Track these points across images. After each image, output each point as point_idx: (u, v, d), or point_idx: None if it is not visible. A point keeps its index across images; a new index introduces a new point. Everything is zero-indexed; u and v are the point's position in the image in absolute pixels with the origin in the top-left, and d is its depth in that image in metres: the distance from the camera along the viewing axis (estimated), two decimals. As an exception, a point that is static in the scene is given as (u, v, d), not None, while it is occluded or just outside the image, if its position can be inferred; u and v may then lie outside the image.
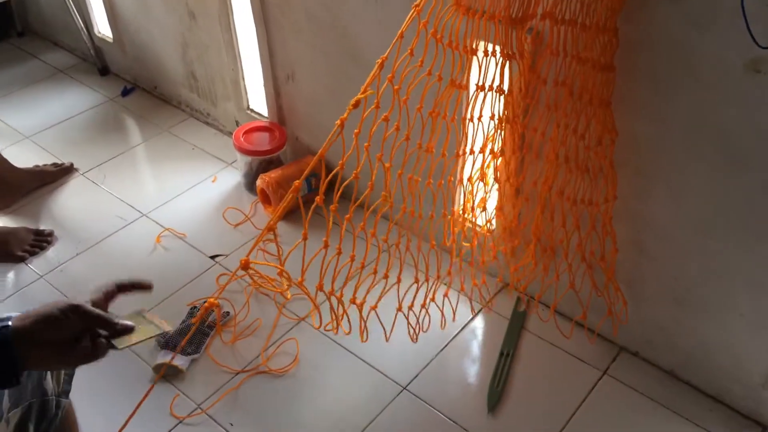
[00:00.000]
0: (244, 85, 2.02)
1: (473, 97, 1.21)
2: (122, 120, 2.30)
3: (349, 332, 1.16)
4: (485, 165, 1.35)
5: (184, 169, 2.06)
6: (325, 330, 1.11)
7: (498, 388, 1.42)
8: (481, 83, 1.20)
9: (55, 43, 2.69)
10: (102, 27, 2.45)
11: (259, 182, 1.85)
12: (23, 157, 2.05)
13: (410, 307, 1.34)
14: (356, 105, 0.89)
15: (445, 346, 1.53)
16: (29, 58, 2.62)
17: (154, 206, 1.92)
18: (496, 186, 1.41)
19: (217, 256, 1.76)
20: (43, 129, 2.24)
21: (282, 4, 1.69)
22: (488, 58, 1.17)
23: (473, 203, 1.40)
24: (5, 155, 1.92)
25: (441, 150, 1.20)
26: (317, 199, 0.92)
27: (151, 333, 0.83)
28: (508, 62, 1.19)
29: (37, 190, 1.98)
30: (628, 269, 1.38)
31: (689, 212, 1.23)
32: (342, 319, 1.12)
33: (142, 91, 2.41)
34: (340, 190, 0.97)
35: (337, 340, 1.53)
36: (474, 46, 1.13)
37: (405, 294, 1.28)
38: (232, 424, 1.38)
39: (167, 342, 1.50)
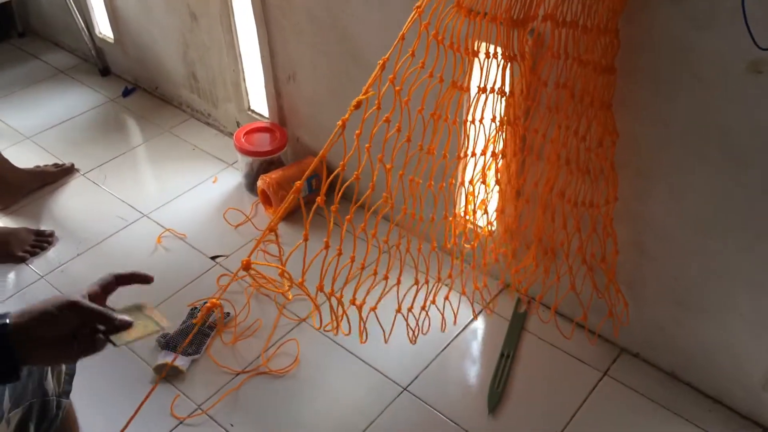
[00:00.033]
0: (245, 86, 2.02)
1: (474, 99, 1.21)
2: (123, 120, 2.30)
3: (349, 333, 1.16)
4: (486, 167, 1.35)
5: (185, 169, 2.06)
6: (324, 331, 1.10)
7: (498, 389, 1.42)
8: (482, 85, 1.20)
9: (56, 43, 2.69)
10: (103, 27, 2.45)
11: (259, 183, 1.85)
12: (24, 158, 2.05)
13: (410, 309, 1.34)
14: (358, 106, 0.89)
15: (446, 347, 1.53)
16: (30, 58, 2.62)
17: (155, 207, 1.92)
18: (497, 188, 1.41)
19: (217, 256, 1.76)
20: (44, 129, 2.24)
21: (283, 5, 1.69)
22: (490, 60, 1.17)
23: (474, 205, 1.40)
24: (6, 155, 1.92)
25: (442, 152, 1.20)
26: (318, 199, 0.92)
27: (149, 329, 0.83)
28: (509, 64, 1.19)
29: (38, 190, 1.98)
30: (628, 271, 1.38)
31: (690, 213, 1.23)
32: (342, 320, 1.12)
33: (143, 91, 2.41)
34: (341, 191, 0.97)
35: (337, 341, 1.53)
36: (475, 48, 1.13)
37: (404, 296, 1.28)
38: (232, 425, 1.38)
39: (168, 342, 1.50)
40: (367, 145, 0.97)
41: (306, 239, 0.91)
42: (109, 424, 1.35)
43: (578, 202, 1.27)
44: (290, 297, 0.93)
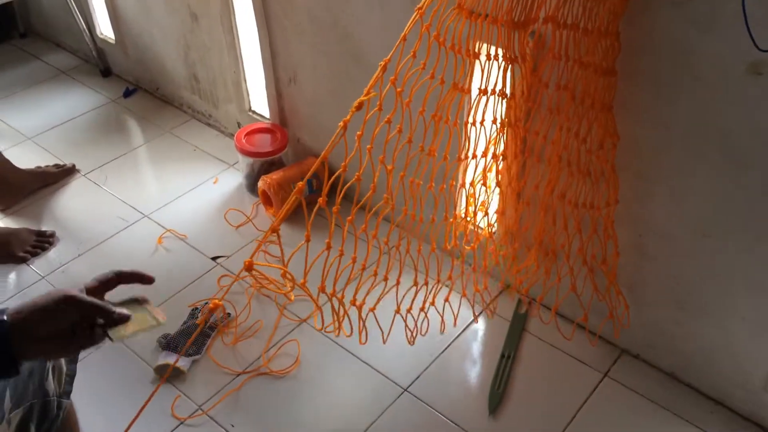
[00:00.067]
0: (246, 87, 2.02)
1: (475, 101, 1.21)
2: (124, 121, 2.31)
3: (351, 334, 1.17)
4: (487, 169, 1.35)
5: (186, 170, 2.06)
6: (326, 332, 1.11)
7: (499, 390, 1.42)
8: (483, 87, 1.20)
9: (58, 44, 2.69)
10: (104, 28, 2.45)
11: (260, 184, 1.85)
12: (25, 158, 2.05)
13: (408, 310, 1.34)
14: (359, 107, 0.90)
15: (446, 347, 1.53)
16: (31, 59, 2.63)
17: (156, 207, 1.92)
18: (498, 190, 1.41)
19: (218, 257, 1.76)
20: (45, 130, 2.24)
21: (284, 6, 1.70)
22: (491, 61, 1.17)
23: (475, 207, 1.40)
24: (7, 156, 1.92)
25: (443, 154, 1.21)
26: (320, 200, 0.92)
27: (146, 324, 0.83)
28: (510, 66, 1.19)
29: (39, 191, 1.98)
30: (629, 272, 1.38)
31: (690, 215, 1.23)
32: (343, 320, 1.12)
33: (143, 92, 2.41)
34: (343, 192, 0.97)
35: (338, 342, 1.53)
36: (476, 50, 1.13)
37: (404, 297, 1.28)
38: (233, 425, 1.38)
39: (168, 343, 1.51)
40: (368, 147, 0.97)
41: (308, 240, 0.91)
42: (109, 424, 1.35)
43: (579, 204, 1.27)
44: (292, 298, 0.93)
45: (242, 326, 1.58)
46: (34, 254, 1.77)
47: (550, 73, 1.20)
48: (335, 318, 1.11)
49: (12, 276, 1.73)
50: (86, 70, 2.54)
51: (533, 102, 1.25)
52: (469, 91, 1.17)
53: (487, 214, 1.43)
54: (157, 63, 2.27)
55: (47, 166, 2.03)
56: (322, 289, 1.01)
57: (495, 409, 1.39)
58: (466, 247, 1.47)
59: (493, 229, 1.48)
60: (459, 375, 1.49)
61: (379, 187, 1.04)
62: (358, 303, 1.15)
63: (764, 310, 1.23)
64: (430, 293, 1.37)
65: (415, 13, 0.94)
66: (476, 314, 1.58)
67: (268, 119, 2.01)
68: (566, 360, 1.49)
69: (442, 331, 1.53)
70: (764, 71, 1.02)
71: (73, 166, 2.06)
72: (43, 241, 1.80)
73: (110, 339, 0.79)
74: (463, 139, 1.25)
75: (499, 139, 1.31)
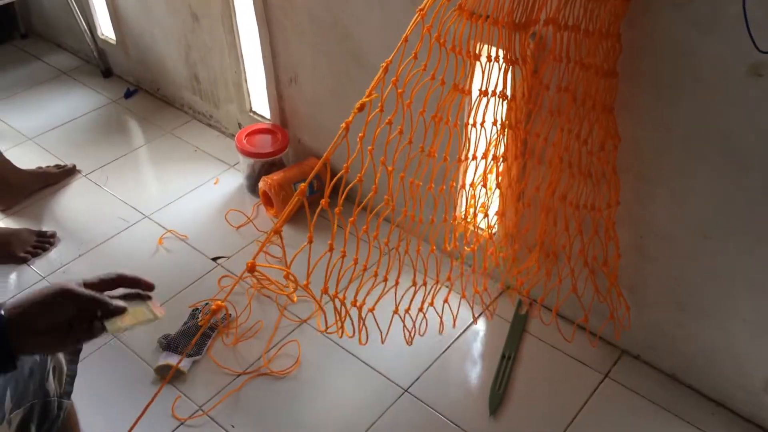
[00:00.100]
0: (247, 88, 2.02)
1: (476, 102, 1.21)
2: (125, 122, 2.31)
3: (353, 335, 1.17)
4: (488, 170, 1.35)
5: (187, 171, 2.07)
6: (329, 333, 1.11)
7: (499, 390, 1.42)
8: (483, 88, 1.20)
9: (58, 45, 2.69)
10: (105, 29, 2.45)
11: (261, 184, 1.86)
12: (26, 159, 2.06)
13: (407, 311, 1.34)
14: (361, 108, 0.90)
15: (447, 348, 1.53)
16: (32, 59, 2.63)
17: (157, 208, 1.93)
18: (498, 192, 1.41)
19: (219, 258, 1.76)
20: (45, 131, 2.24)
21: (285, 7, 1.70)
22: (491, 63, 1.18)
23: (475, 209, 1.40)
24: (8, 156, 1.92)
25: (443, 155, 1.21)
26: (322, 202, 0.92)
27: (143, 317, 0.83)
28: (510, 67, 1.19)
29: (40, 191, 1.98)
30: (630, 274, 1.38)
31: (691, 216, 1.23)
32: (345, 321, 1.12)
33: (144, 93, 2.41)
34: (345, 194, 0.97)
35: (338, 343, 1.53)
36: (477, 51, 1.13)
37: (402, 297, 1.28)
38: (233, 426, 1.38)
39: (169, 343, 1.51)
40: (369, 148, 0.97)
41: (311, 241, 0.91)
42: (110, 425, 1.35)
43: (580, 206, 1.27)
44: (295, 299, 0.93)
45: (243, 327, 1.58)
46: (35, 254, 1.77)
47: (551, 74, 1.20)
48: (338, 319, 1.11)
49: (13, 276, 1.73)
50: (87, 70, 2.55)
51: (534, 104, 1.26)
52: (470, 92, 1.17)
53: (486, 215, 1.43)
54: (158, 63, 2.28)
55: (48, 167, 2.03)
56: (325, 291, 1.01)
57: (495, 409, 1.39)
58: (466, 248, 1.47)
59: (494, 230, 1.48)
60: (459, 376, 1.49)
61: (379, 188, 1.04)
62: (358, 304, 1.16)
63: (765, 312, 1.23)
64: (428, 294, 1.37)
65: (417, 15, 0.95)
66: (475, 316, 1.58)
67: (268, 120, 2.01)
68: (567, 361, 1.49)
69: (440, 332, 1.53)
70: (765, 73, 1.02)
71: (74, 166, 2.06)
72: (43, 242, 1.80)
73: (107, 330, 0.79)
74: (464, 140, 1.25)
75: (500, 141, 1.31)
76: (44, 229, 1.84)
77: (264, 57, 1.84)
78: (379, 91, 0.92)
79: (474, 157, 1.30)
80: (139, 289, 0.87)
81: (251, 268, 0.83)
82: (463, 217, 1.42)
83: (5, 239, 1.76)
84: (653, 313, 1.40)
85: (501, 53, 1.17)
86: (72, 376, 1.03)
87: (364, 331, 1.20)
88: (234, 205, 1.93)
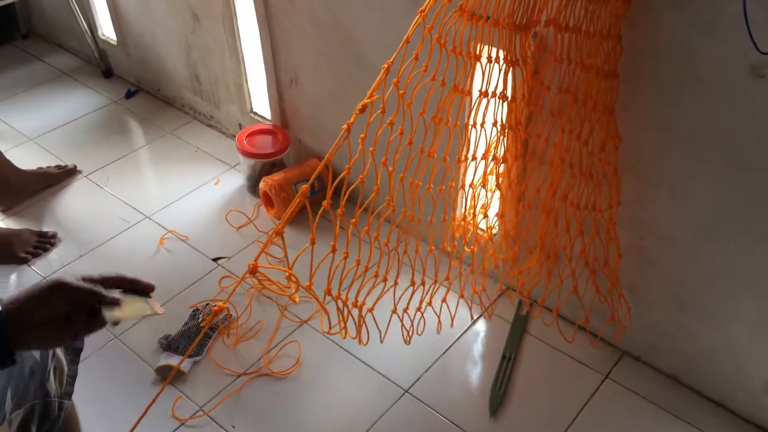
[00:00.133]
0: (248, 88, 2.02)
1: (476, 103, 1.21)
2: (126, 122, 2.31)
3: (356, 336, 1.17)
4: (488, 171, 1.35)
5: (187, 171, 2.07)
6: (331, 334, 1.11)
7: (500, 391, 1.42)
8: (484, 89, 1.20)
9: (59, 45, 2.70)
10: (106, 29, 2.45)
11: (261, 185, 1.86)
12: (27, 159, 2.06)
13: (405, 310, 1.34)
14: (363, 110, 0.90)
15: (447, 349, 1.53)
16: (33, 60, 2.63)
17: (157, 208, 1.93)
18: (498, 193, 1.41)
19: (219, 258, 1.76)
20: (46, 131, 2.25)
21: (286, 7, 1.70)
22: (491, 64, 1.18)
23: (475, 209, 1.41)
24: (9, 157, 1.92)
25: (442, 155, 1.21)
26: (324, 203, 0.92)
27: (140, 311, 0.84)
28: (511, 69, 1.19)
29: (41, 192, 1.98)
30: (631, 275, 1.38)
31: (692, 217, 1.23)
32: (348, 321, 1.12)
33: (145, 93, 2.42)
34: (347, 195, 0.97)
35: (339, 343, 1.53)
36: (477, 52, 1.14)
37: (401, 296, 1.28)
38: (234, 427, 1.38)
39: (169, 344, 1.51)
40: (371, 149, 0.97)
41: (313, 243, 0.92)
42: (110, 425, 1.35)
43: (581, 206, 1.27)
44: (297, 300, 0.93)
45: (243, 327, 1.58)
46: (36, 255, 1.77)
47: (552, 75, 1.20)
48: (341, 319, 1.11)
49: (13, 277, 1.73)
50: (88, 71, 2.55)
51: (535, 105, 1.26)
52: (470, 93, 1.17)
53: (486, 216, 1.43)
54: (159, 64, 2.28)
55: (49, 167, 2.04)
56: (329, 292, 1.01)
57: (496, 410, 1.39)
58: (466, 249, 1.47)
59: (494, 231, 1.49)
60: (460, 376, 1.49)
61: (381, 189, 1.04)
62: (359, 304, 1.16)
63: (766, 313, 1.23)
64: (427, 293, 1.38)
65: (418, 16, 0.95)
66: (473, 316, 1.58)
67: (269, 120, 2.02)
68: (567, 362, 1.49)
69: (438, 331, 1.53)
70: (766, 73, 1.02)
71: (75, 167, 2.06)
72: (44, 242, 1.80)
73: (105, 320, 0.79)
74: (464, 140, 1.25)
75: (500, 142, 1.31)
76: (45, 229, 1.84)
77: (265, 58, 1.85)
78: (381, 93, 0.92)
79: (474, 158, 1.30)
80: (137, 290, 0.87)
81: (253, 270, 0.83)
82: (464, 217, 1.42)
83: (6, 239, 1.76)
84: (654, 313, 1.40)
85: (501, 54, 1.17)
86: (73, 377, 1.03)
87: (365, 332, 1.20)
88: (234, 205, 1.93)
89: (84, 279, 0.82)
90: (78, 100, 2.40)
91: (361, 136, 0.94)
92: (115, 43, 2.41)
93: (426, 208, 1.24)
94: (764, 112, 1.05)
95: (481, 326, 1.58)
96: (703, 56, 1.07)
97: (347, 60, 1.64)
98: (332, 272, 0.99)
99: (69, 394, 1.02)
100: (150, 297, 0.88)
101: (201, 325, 1.54)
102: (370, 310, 1.21)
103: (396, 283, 1.24)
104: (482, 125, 1.25)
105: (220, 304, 0.81)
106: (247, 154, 1.89)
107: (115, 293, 0.82)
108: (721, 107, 1.10)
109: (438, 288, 1.39)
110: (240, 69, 1.97)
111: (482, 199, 1.40)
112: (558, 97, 1.21)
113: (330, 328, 1.09)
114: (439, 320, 1.50)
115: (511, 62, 1.18)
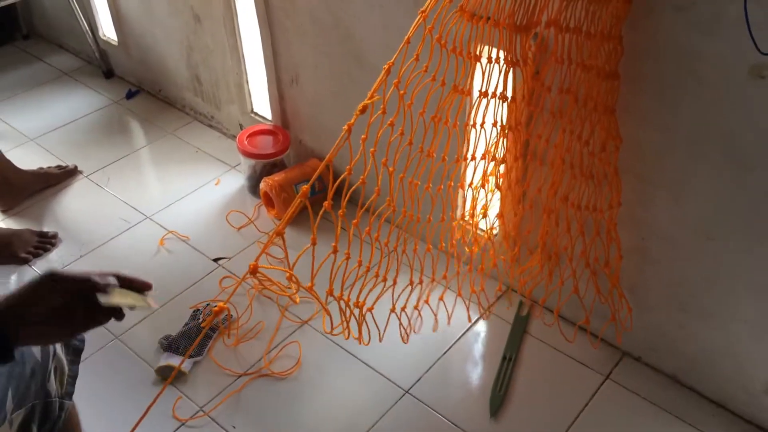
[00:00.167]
0: (248, 89, 2.02)
1: (476, 104, 1.21)
2: (126, 123, 2.31)
3: (358, 337, 1.17)
4: (488, 172, 1.35)
5: (188, 172, 2.07)
6: (334, 334, 1.11)
7: (500, 392, 1.42)
8: (484, 89, 1.20)
9: (60, 45, 2.70)
10: (107, 30, 2.45)
11: (262, 185, 1.86)
12: (27, 160, 2.06)
13: (403, 309, 1.34)
14: (364, 110, 0.90)
15: (448, 349, 1.53)
16: (34, 60, 2.63)
17: (158, 209, 1.93)
18: (498, 193, 1.41)
19: (220, 258, 1.77)
20: (47, 131, 2.25)
21: (286, 8, 1.70)
22: (492, 64, 1.18)
23: (475, 209, 1.41)
24: (10, 157, 1.92)
25: (441, 155, 1.21)
26: (325, 204, 0.92)
27: (132, 301, 0.83)
28: (511, 69, 1.19)
29: (41, 192, 1.99)
30: (631, 275, 1.38)
31: (692, 217, 1.23)
32: (350, 322, 1.12)
33: (146, 94, 2.42)
34: (348, 195, 0.97)
35: (339, 344, 1.53)
36: (478, 53, 1.14)
37: (399, 295, 1.28)
38: (234, 427, 1.38)
39: (170, 344, 1.51)
40: (372, 150, 0.97)
41: (314, 243, 0.92)
42: (111, 425, 1.35)
43: (582, 207, 1.27)
44: (297, 300, 0.93)
45: (244, 327, 1.58)
46: (36, 255, 1.77)
47: (552, 76, 1.20)
48: (343, 320, 1.11)
49: (14, 277, 1.73)
50: (89, 71, 2.55)
51: (536, 105, 1.26)
52: (470, 93, 1.18)
53: (486, 216, 1.43)
54: (160, 65, 2.28)
55: (49, 168, 2.04)
56: (330, 292, 1.01)
57: (496, 411, 1.39)
58: (466, 249, 1.47)
59: (494, 232, 1.49)
60: (460, 377, 1.49)
61: (382, 190, 1.04)
62: (359, 304, 1.16)
63: (766, 312, 1.23)
64: (424, 292, 1.37)
65: (419, 16, 0.95)
66: (474, 317, 1.58)
67: (270, 121, 2.02)
68: (568, 362, 1.49)
69: (434, 330, 1.53)
70: (766, 74, 1.02)
71: (76, 167, 2.07)
72: (45, 242, 1.80)
73: (99, 302, 0.80)
74: (464, 141, 1.26)
75: (500, 143, 1.31)
76: (45, 229, 1.84)
77: (265, 58, 1.85)
78: (381, 93, 0.92)
79: (473, 158, 1.30)
80: (135, 288, 0.87)
81: (254, 270, 0.83)
82: (463, 217, 1.42)
83: (7, 240, 1.76)
84: (654, 314, 1.40)
85: (502, 55, 1.17)
86: (73, 377, 1.03)
87: (366, 332, 1.20)
88: (235, 206, 1.93)
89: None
90: (79, 100, 2.40)
91: (362, 136, 0.94)
92: (116, 43, 2.41)
93: (425, 207, 1.24)
94: (764, 112, 1.05)
95: (481, 327, 1.58)
96: (704, 57, 1.07)
97: (348, 60, 1.64)
98: (334, 273, 0.99)
99: (70, 395, 1.02)
100: (145, 294, 0.88)
101: (201, 325, 1.54)
102: (370, 309, 1.21)
103: (395, 282, 1.24)
104: (482, 125, 1.25)
105: (221, 304, 0.81)
106: (248, 155, 1.89)
107: (110, 279, 0.82)
108: (722, 107, 1.10)
109: (435, 286, 1.39)
110: (241, 69, 1.98)
111: (482, 200, 1.40)
112: (559, 97, 1.21)
113: (332, 329, 1.09)
114: (436, 318, 1.50)
115: (511, 63, 1.18)
